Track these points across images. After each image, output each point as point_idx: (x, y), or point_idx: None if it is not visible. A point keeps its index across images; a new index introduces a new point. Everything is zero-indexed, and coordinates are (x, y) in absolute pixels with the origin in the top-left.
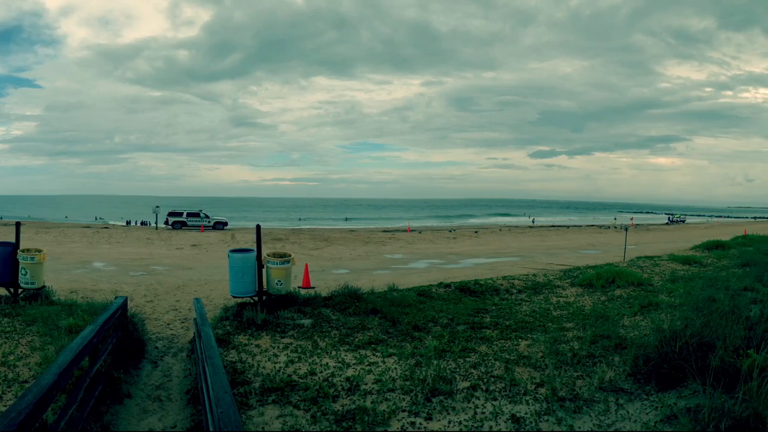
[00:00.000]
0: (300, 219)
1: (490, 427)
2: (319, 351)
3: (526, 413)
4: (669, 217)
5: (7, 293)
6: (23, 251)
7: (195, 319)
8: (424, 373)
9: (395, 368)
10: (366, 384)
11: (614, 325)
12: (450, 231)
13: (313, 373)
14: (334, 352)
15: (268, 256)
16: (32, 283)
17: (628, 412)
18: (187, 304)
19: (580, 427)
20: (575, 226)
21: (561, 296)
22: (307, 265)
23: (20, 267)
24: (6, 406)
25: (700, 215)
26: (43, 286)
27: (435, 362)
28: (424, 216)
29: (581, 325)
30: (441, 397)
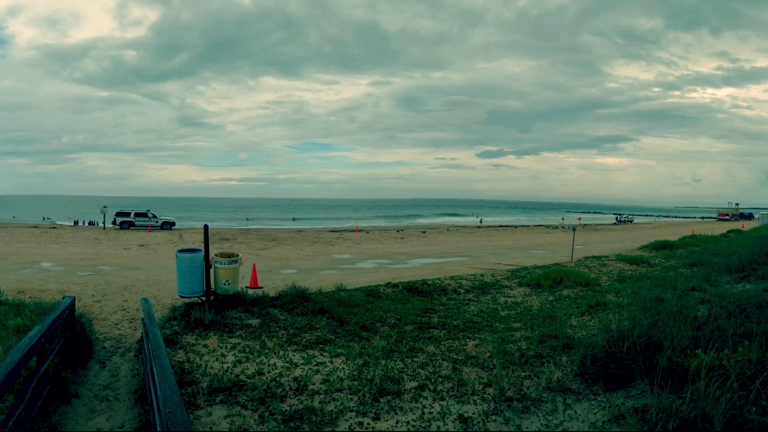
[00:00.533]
0: (248, 219)
1: (438, 427)
2: (266, 351)
3: (474, 413)
4: (617, 217)
5: None
6: None
7: (143, 319)
8: (371, 373)
9: (343, 368)
10: (314, 384)
11: (562, 325)
12: (398, 231)
13: (260, 373)
14: (282, 352)
15: (216, 256)
16: None
17: (575, 412)
18: (134, 304)
19: (527, 427)
20: (523, 226)
21: (509, 296)
22: (254, 265)
23: None
24: None
25: (647, 215)
26: None
27: (383, 362)
28: (372, 216)
29: (529, 325)
30: (389, 397)
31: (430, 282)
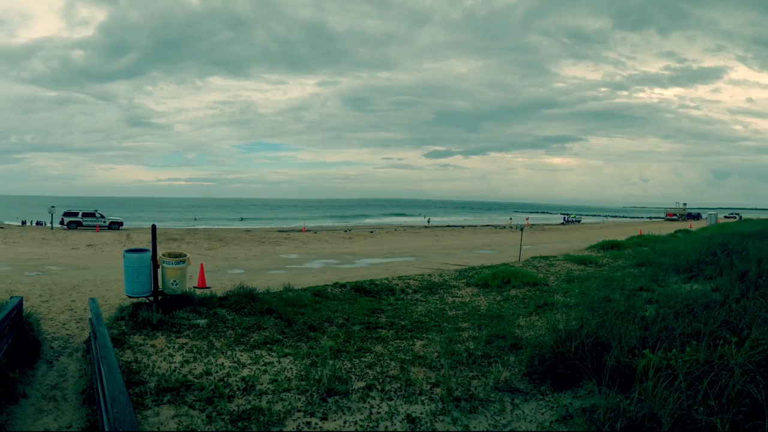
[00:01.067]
0: (195, 219)
1: (386, 427)
2: (214, 351)
3: (421, 413)
4: (564, 217)
5: None
6: None
7: (90, 319)
8: (319, 373)
9: (291, 368)
10: (261, 384)
11: (510, 325)
12: (345, 231)
13: (208, 373)
14: (229, 352)
15: (164, 256)
16: None
17: (523, 412)
18: (82, 304)
19: (475, 427)
20: (471, 226)
21: (456, 296)
22: (202, 265)
23: None
24: None
25: (595, 215)
26: None
27: (330, 362)
28: (319, 216)
29: (477, 325)
30: (336, 397)
31: (378, 282)
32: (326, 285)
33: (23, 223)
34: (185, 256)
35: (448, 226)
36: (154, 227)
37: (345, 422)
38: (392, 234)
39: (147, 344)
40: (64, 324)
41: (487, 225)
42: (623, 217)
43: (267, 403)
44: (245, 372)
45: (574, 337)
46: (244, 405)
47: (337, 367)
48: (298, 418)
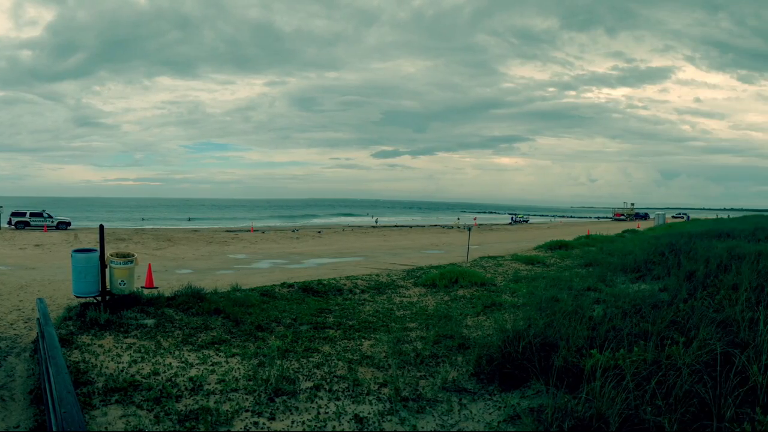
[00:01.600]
0: (143, 219)
1: (334, 427)
2: (162, 351)
3: (369, 413)
4: (512, 217)
5: None
6: None
7: (38, 319)
8: (267, 373)
9: (238, 368)
10: (209, 384)
11: (457, 325)
12: (293, 231)
13: (156, 373)
14: (177, 352)
15: (111, 256)
16: None
17: (471, 412)
18: (30, 304)
19: (423, 427)
20: (418, 226)
21: (404, 296)
22: (150, 265)
23: None
24: None
25: (543, 215)
26: None
27: (278, 362)
28: (267, 216)
29: (424, 325)
30: (284, 397)
31: (325, 282)
32: (274, 285)
33: None
34: (133, 256)
35: (396, 226)
36: (101, 227)
37: (293, 422)
38: (340, 234)
39: (95, 344)
40: (11, 324)
41: (435, 225)
42: (571, 217)
43: (215, 403)
44: (193, 372)
45: (522, 337)
46: (192, 405)
47: (285, 367)
48: (246, 418)
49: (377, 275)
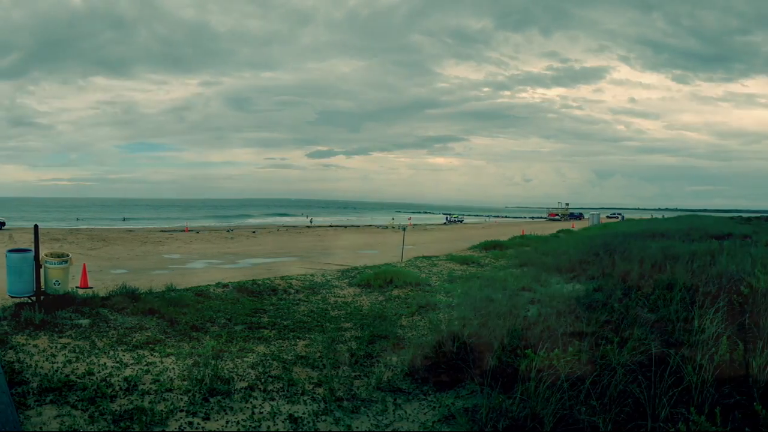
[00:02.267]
0: (78, 219)
1: (268, 427)
2: (97, 351)
3: (304, 413)
4: (447, 217)
5: None
6: None
7: None
8: (201, 373)
9: (173, 368)
10: (144, 384)
11: (392, 325)
12: (228, 231)
13: (90, 373)
14: (112, 352)
15: (46, 255)
16: None
17: (405, 412)
18: None
19: (357, 427)
20: (353, 226)
21: (339, 296)
22: (84, 265)
23: None
24: None
25: (478, 215)
26: None
27: (213, 362)
28: (202, 216)
29: (359, 325)
30: (219, 397)
31: (260, 282)
32: (209, 285)
33: None
34: (68, 256)
35: (331, 226)
36: (36, 227)
37: (227, 422)
38: (275, 234)
39: (29, 344)
40: None
41: (370, 225)
42: (506, 217)
43: (149, 403)
44: (128, 372)
45: (457, 338)
46: (127, 405)
47: (220, 367)
48: (181, 418)
49: (312, 275)
